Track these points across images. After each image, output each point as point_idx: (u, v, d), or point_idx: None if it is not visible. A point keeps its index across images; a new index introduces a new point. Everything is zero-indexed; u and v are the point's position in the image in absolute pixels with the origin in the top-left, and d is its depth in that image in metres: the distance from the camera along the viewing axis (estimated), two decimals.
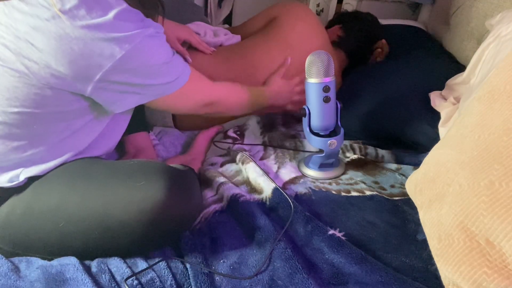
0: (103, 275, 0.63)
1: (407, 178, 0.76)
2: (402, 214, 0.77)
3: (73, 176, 0.69)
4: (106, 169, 0.70)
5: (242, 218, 0.76)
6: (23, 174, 0.68)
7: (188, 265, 0.65)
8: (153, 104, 0.75)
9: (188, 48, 1.08)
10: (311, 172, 0.90)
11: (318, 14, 1.93)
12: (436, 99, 0.98)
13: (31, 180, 0.69)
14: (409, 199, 0.72)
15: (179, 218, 0.69)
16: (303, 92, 1.05)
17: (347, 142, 1.01)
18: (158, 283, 0.62)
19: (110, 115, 0.76)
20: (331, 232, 0.71)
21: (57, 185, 0.68)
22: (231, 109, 0.92)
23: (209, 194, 0.85)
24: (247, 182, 0.88)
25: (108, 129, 0.77)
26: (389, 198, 0.82)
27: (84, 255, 0.66)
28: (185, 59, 1.01)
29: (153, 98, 0.72)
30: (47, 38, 0.58)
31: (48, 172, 0.70)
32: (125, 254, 0.67)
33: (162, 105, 0.76)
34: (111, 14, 0.60)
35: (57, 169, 0.70)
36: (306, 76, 0.82)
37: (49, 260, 0.67)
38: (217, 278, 0.65)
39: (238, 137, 1.07)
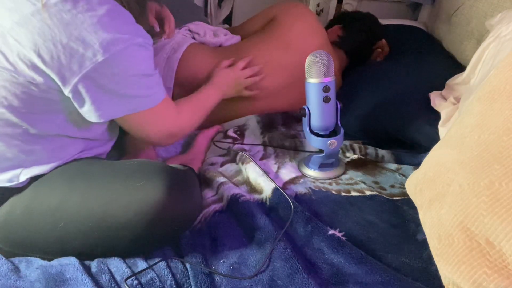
0: (103, 275, 0.63)
1: (407, 178, 0.76)
2: (402, 214, 0.77)
3: (73, 177, 0.69)
4: (106, 169, 0.70)
5: (242, 218, 0.76)
6: (23, 174, 0.68)
7: (188, 265, 0.65)
8: (121, 122, 0.71)
9: (189, 50, 1.08)
10: (311, 172, 0.90)
11: (318, 14, 1.92)
12: (436, 99, 0.98)
13: (32, 180, 0.69)
14: (409, 199, 0.72)
15: (179, 218, 0.68)
16: (254, 74, 1.04)
17: (347, 142, 1.01)
18: (158, 283, 0.62)
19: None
20: (331, 232, 0.71)
21: (57, 185, 0.68)
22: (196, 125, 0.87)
23: (209, 194, 0.85)
24: (247, 182, 0.88)
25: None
26: (389, 198, 0.82)
27: (84, 255, 0.66)
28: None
29: (127, 113, 0.68)
30: (30, 33, 0.57)
31: (48, 172, 0.70)
32: (125, 254, 0.67)
33: (130, 124, 0.72)
34: (100, 11, 0.58)
35: (57, 169, 0.70)
36: (306, 76, 0.82)
37: (49, 260, 0.67)
38: (217, 278, 0.65)
39: (238, 137, 1.07)
